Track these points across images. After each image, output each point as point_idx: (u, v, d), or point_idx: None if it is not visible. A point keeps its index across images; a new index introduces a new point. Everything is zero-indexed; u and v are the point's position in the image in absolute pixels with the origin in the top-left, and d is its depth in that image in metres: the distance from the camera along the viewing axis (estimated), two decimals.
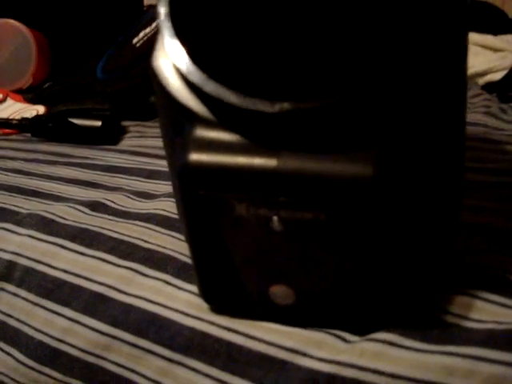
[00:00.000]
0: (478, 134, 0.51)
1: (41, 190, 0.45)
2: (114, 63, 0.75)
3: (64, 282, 0.35)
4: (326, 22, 0.24)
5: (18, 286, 0.36)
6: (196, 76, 0.25)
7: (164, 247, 0.35)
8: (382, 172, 0.23)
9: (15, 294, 0.36)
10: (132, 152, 0.55)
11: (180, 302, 0.31)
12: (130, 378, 0.31)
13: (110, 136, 0.61)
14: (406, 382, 0.25)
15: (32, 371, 0.34)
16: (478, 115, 0.56)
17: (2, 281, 0.37)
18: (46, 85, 0.73)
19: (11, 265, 0.37)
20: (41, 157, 0.55)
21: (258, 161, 0.24)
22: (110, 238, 0.36)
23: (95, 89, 0.73)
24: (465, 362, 0.25)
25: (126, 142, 0.60)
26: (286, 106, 0.23)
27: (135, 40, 0.76)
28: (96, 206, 0.40)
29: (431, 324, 0.27)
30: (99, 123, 0.61)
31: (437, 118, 0.26)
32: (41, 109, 0.68)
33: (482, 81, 0.71)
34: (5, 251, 0.38)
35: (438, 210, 0.29)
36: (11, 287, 0.37)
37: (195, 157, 0.25)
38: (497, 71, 0.70)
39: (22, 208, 0.42)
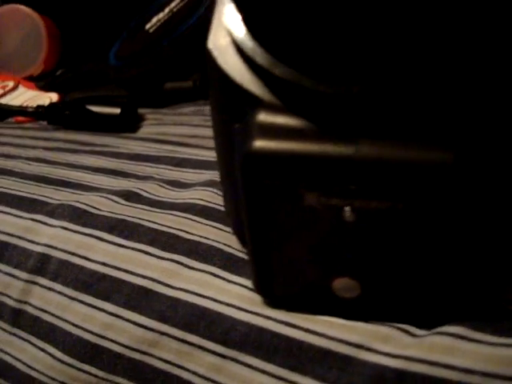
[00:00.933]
0: None
1: (68, 180, 0.43)
2: (127, 49, 0.73)
3: (103, 276, 0.33)
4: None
5: (53, 279, 0.35)
6: (263, 58, 0.23)
7: (207, 238, 0.33)
8: (463, 159, 0.22)
9: (50, 289, 0.35)
10: (154, 140, 0.53)
11: (231, 295, 0.30)
12: (179, 375, 0.30)
13: (128, 123, 0.59)
14: (480, 377, 0.24)
15: (71, 368, 0.33)
16: None
17: (35, 274, 0.36)
18: (59, 72, 0.71)
19: (45, 258, 0.36)
20: (61, 145, 0.53)
21: (332, 148, 0.22)
22: (150, 228, 0.35)
23: (108, 75, 0.72)
24: None
25: (145, 130, 0.59)
26: (362, 88, 0.22)
27: (148, 25, 0.74)
28: (129, 196, 0.39)
29: (501, 316, 0.26)
30: (118, 110, 0.59)
31: None
32: (54, 96, 0.66)
33: None
34: (37, 244, 0.37)
35: None
36: (45, 281, 0.35)
37: (261, 143, 0.23)
38: None
39: (52, 198, 0.40)
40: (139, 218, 0.36)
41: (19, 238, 0.38)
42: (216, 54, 0.25)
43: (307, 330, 0.27)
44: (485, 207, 0.24)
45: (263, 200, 0.24)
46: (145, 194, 0.39)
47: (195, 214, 0.36)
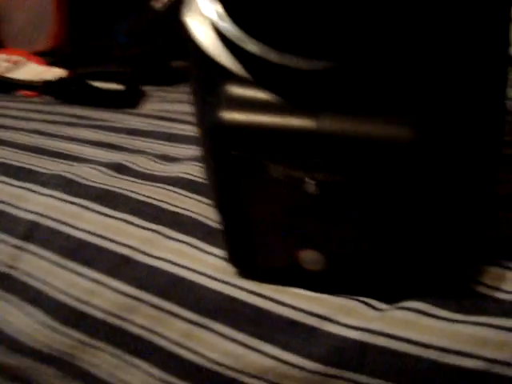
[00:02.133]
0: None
1: (64, 152, 0.44)
2: (134, 26, 0.74)
3: (88, 243, 0.34)
4: None
5: (41, 246, 0.36)
6: (232, 32, 0.24)
7: (190, 211, 0.34)
8: (422, 135, 0.22)
9: (37, 255, 0.36)
10: (153, 116, 0.54)
11: (206, 265, 0.31)
12: (153, 341, 0.31)
13: (131, 100, 0.60)
14: (437, 352, 0.25)
15: (55, 333, 0.34)
16: None
17: (25, 241, 0.37)
18: (66, 48, 0.72)
19: (34, 225, 0.37)
20: (62, 119, 0.54)
21: (296, 121, 0.23)
22: (135, 199, 0.36)
23: (115, 52, 0.72)
24: (497, 333, 0.24)
25: (147, 106, 0.59)
26: (326, 64, 0.22)
27: (156, 3, 0.75)
28: (119, 168, 0.40)
29: (464, 294, 0.26)
30: (122, 87, 0.60)
31: (478, 87, 0.25)
32: (61, 72, 0.67)
33: None
34: (27, 211, 0.38)
35: (475, 181, 0.28)
36: (33, 247, 0.36)
37: (229, 115, 0.24)
38: None
39: (47, 169, 0.41)
40: (126, 190, 0.37)
41: (11, 205, 0.39)
42: (190, 26, 0.26)
43: (276, 301, 0.28)
44: (441, 184, 0.24)
45: (230, 171, 0.25)
46: (135, 167, 0.40)
47: (181, 187, 0.37)
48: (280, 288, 0.28)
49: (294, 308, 0.28)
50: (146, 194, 0.36)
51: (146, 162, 0.41)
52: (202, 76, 0.26)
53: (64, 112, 0.57)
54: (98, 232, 0.35)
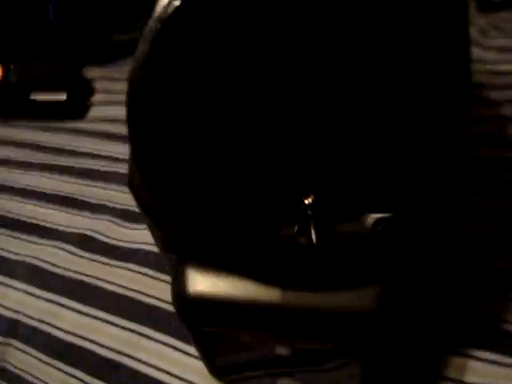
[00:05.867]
0: None
1: (22, 219, 0.44)
2: (67, 5, 0.69)
3: (71, 344, 0.36)
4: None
5: (25, 343, 0.37)
6: None
7: (163, 301, 0.35)
8: (383, 307, 0.24)
9: (24, 351, 0.37)
10: (103, 134, 0.53)
11: (184, 368, 0.32)
12: None
13: (75, 110, 0.58)
14: None
15: None
16: None
17: (9, 337, 0.38)
18: None
19: (16, 323, 0.38)
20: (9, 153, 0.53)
21: (262, 296, 0.24)
22: (110, 292, 0.37)
23: (50, 36, 0.68)
24: None
25: (95, 114, 0.58)
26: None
27: None
28: (86, 243, 0.40)
29: None
30: (64, 96, 0.58)
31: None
32: None
33: None
34: (6, 308, 0.39)
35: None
36: (19, 344, 0.37)
37: (193, 295, 0.25)
38: None
39: (12, 252, 0.41)
40: (99, 279, 0.37)
41: None
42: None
43: None
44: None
45: (201, 337, 0.26)
46: (99, 238, 0.40)
47: (149, 267, 0.37)
48: None
49: None
50: (119, 283, 0.37)
51: (110, 227, 0.41)
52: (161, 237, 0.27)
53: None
54: (79, 332, 0.36)
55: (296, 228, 0.24)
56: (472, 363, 0.29)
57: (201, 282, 0.25)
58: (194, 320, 0.25)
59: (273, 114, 0.22)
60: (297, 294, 0.24)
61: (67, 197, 0.45)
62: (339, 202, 0.24)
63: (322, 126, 0.22)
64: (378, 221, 0.24)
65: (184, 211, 0.24)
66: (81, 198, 0.45)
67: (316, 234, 0.24)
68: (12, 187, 0.48)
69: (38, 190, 0.47)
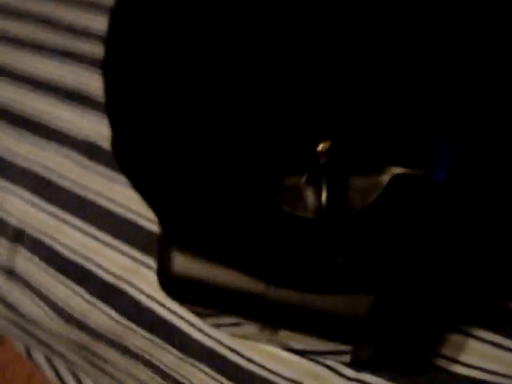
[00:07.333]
0: None
1: (27, 115, 0.42)
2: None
3: (73, 263, 0.36)
4: None
5: (31, 252, 0.38)
6: None
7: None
8: (374, 315, 0.22)
9: (30, 260, 0.38)
10: None
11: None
12: (150, 361, 0.34)
13: None
14: None
15: (61, 327, 0.38)
16: None
17: (16, 243, 0.38)
18: None
19: (21, 232, 0.38)
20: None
21: (248, 287, 0.23)
22: (113, 214, 0.36)
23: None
24: None
25: None
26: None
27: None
28: (92, 152, 0.39)
29: (420, 369, 0.28)
30: None
31: None
32: None
33: None
34: (12, 216, 0.38)
35: None
36: (25, 252, 0.38)
37: (178, 271, 0.24)
38: None
39: (18, 155, 0.40)
40: (100, 195, 0.36)
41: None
42: None
43: (249, 360, 0.31)
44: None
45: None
46: (107, 147, 0.39)
47: None
48: (254, 345, 0.30)
49: (266, 369, 0.30)
50: (121, 202, 0.36)
51: None
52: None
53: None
54: (80, 251, 0.36)
55: (305, 177, 0.22)
56: (471, 342, 0.28)
57: (186, 262, 0.23)
58: (176, 297, 0.24)
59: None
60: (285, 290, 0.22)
61: (78, 93, 0.43)
62: (356, 151, 0.21)
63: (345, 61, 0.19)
64: (394, 178, 0.21)
65: (167, 197, 0.22)
66: (93, 95, 0.43)
67: (327, 185, 0.22)
68: (16, 74, 0.45)
69: (45, 80, 0.44)
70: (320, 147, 0.21)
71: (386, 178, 0.21)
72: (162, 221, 0.22)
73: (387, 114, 0.21)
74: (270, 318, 0.23)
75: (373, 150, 0.21)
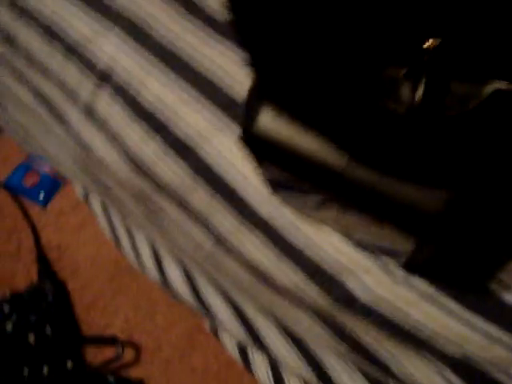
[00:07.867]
0: None
1: None
2: None
3: (153, 116, 0.36)
4: None
5: (115, 92, 0.38)
6: None
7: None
8: (450, 212, 0.22)
9: (113, 101, 0.38)
10: None
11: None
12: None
13: None
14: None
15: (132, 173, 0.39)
16: None
17: (101, 81, 0.38)
18: None
19: (109, 69, 0.38)
20: None
21: (329, 158, 0.23)
22: (198, 73, 0.35)
23: None
24: (482, 339, 0.27)
25: None
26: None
27: None
28: (188, 4, 0.38)
29: (472, 287, 0.28)
30: None
31: None
32: None
33: None
34: (105, 52, 0.38)
35: None
36: (110, 90, 0.38)
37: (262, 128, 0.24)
38: None
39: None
40: (191, 48, 0.36)
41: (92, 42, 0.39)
42: None
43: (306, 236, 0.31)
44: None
45: None
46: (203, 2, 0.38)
47: None
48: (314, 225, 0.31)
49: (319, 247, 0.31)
50: (212, 60, 0.35)
51: None
52: None
53: None
54: (160, 107, 0.36)
55: (405, 71, 0.21)
56: None
57: (273, 122, 0.23)
58: (257, 153, 0.24)
59: None
60: (365, 170, 0.22)
61: None
62: (464, 56, 0.20)
63: None
64: (496, 91, 0.20)
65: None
66: None
67: (425, 82, 0.21)
68: None
69: None
70: (427, 43, 0.20)
71: (488, 90, 0.21)
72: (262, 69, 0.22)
73: (502, 21, 0.19)
74: (344, 194, 0.23)
75: (481, 59, 0.20)
